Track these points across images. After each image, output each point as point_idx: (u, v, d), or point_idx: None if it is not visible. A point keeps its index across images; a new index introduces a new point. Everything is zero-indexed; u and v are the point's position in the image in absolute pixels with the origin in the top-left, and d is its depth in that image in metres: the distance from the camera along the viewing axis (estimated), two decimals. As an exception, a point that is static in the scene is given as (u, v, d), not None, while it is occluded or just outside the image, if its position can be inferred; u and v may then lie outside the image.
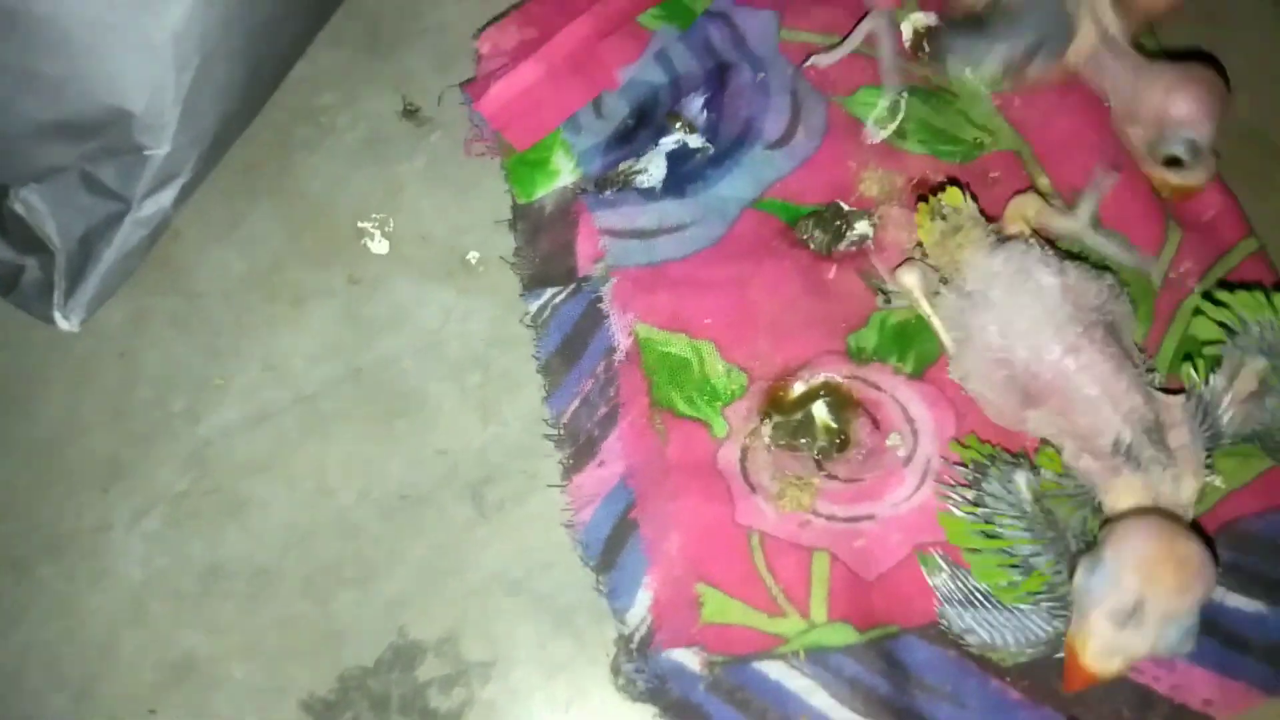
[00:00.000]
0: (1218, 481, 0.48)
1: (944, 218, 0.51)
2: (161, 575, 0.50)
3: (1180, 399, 0.47)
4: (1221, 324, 0.49)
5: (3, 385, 0.54)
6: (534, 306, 0.54)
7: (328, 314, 0.56)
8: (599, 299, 0.54)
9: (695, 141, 0.58)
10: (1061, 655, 0.45)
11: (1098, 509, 0.46)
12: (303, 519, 0.51)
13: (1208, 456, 0.46)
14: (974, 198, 0.53)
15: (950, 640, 0.47)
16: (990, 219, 0.53)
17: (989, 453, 0.48)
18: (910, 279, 0.51)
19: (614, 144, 0.58)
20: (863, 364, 0.52)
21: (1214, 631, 0.46)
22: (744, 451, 0.50)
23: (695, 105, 0.59)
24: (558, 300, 0.54)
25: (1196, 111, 0.51)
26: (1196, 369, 0.47)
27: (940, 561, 0.47)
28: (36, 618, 0.49)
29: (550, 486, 0.51)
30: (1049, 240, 0.52)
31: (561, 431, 0.52)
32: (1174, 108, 0.51)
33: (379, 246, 0.57)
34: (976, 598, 0.46)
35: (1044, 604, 0.45)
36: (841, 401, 0.51)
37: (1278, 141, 0.60)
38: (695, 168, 0.57)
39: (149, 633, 0.49)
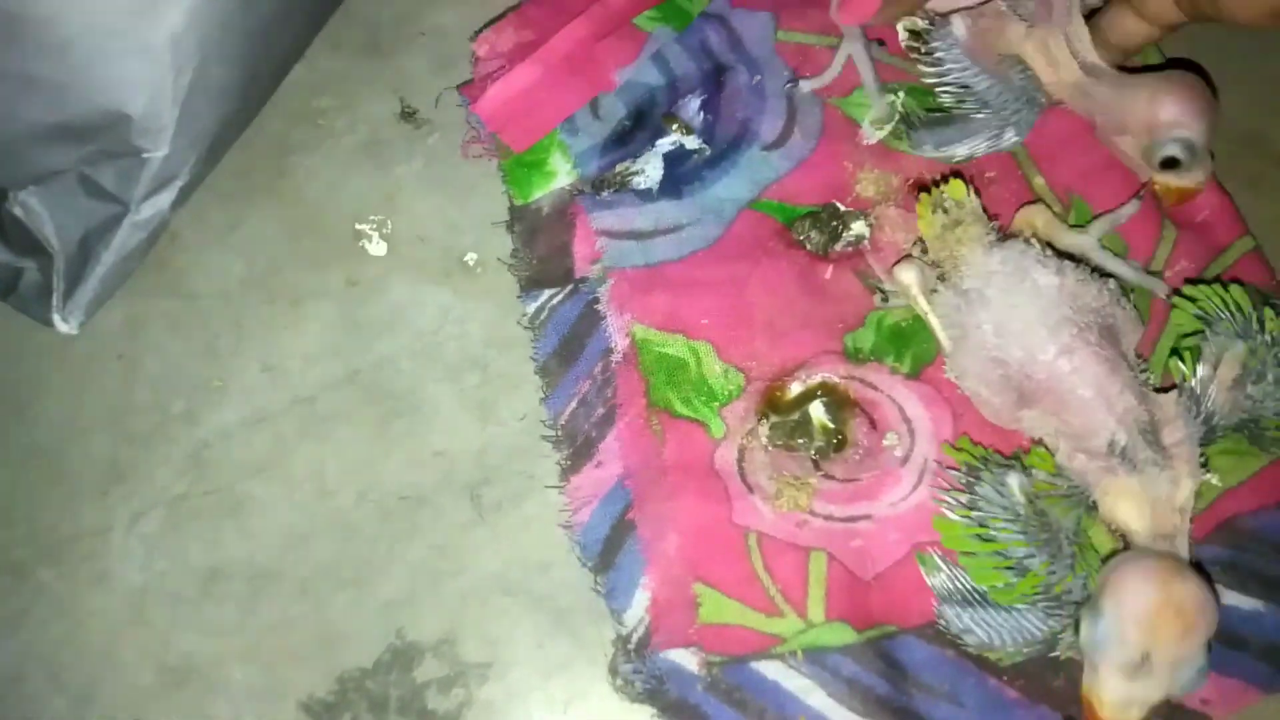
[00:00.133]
0: (1214, 480, 0.48)
1: (945, 210, 0.51)
2: (161, 578, 0.50)
3: (1172, 395, 0.47)
4: (1197, 316, 0.49)
5: (1, 389, 0.54)
6: (531, 308, 0.54)
7: (326, 316, 0.56)
8: (596, 300, 0.54)
9: (692, 143, 0.58)
10: (1057, 654, 0.46)
11: (1092, 508, 0.46)
12: (301, 520, 0.51)
13: (1202, 455, 0.46)
14: (977, 193, 0.53)
15: (948, 640, 0.47)
16: (990, 217, 0.53)
17: (982, 455, 0.48)
18: (908, 276, 0.51)
19: (611, 145, 0.58)
20: (860, 364, 0.52)
21: (1211, 630, 0.46)
22: (741, 452, 0.50)
23: (692, 107, 0.59)
24: (555, 302, 0.54)
25: (1184, 110, 0.51)
26: (1184, 360, 0.48)
27: (938, 561, 0.48)
28: (36, 621, 0.49)
29: (548, 488, 0.51)
30: (1051, 245, 0.52)
31: (559, 433, 0.52)
32: (1162, 111, 0.51)
33: (377, 248, 0.58)
34: (974, 598, 0.46)
35: (1040, 604, 0.45)
36: (839, 401, 0.51)
37: (1274, 145, 0.60)
38: (692, 169, 0.57)
39: (148, 635, 0.49)
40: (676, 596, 0.47)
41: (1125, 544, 0.46)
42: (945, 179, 0.54)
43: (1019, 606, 0.45)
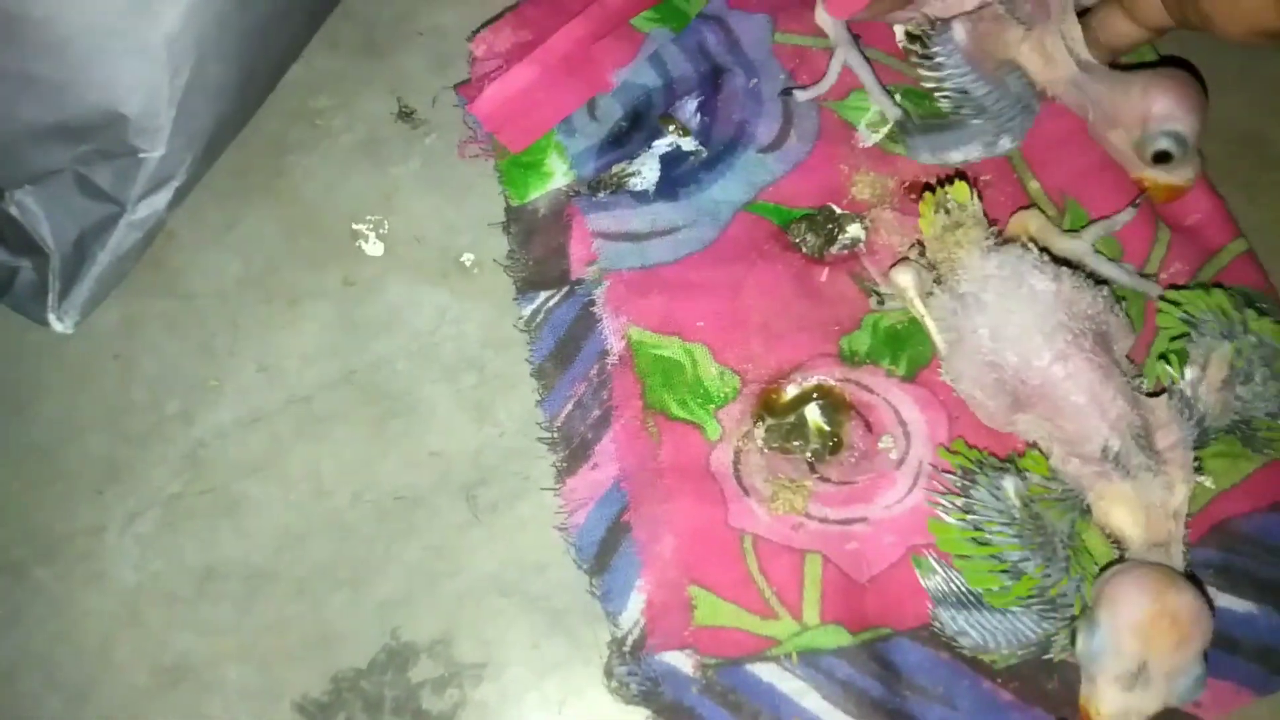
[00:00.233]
0: (1208, 482, 0.49)
1: (948, 212, 0.52)
2: (156, 578, 0.50)
3: (1163, 399, 0.47)
4: (1183, 319, 0.49)
5: (-3, 387, 0.54)
6: (527, 310, 0.54)
7: (322, 316, 0.56)
8: (592, 302, 0.54)
9: (688, 144, 0.58)
10: (1050, 656, 0.46)
11: (1086, 512, 0.46)
12: (297, 520, 0.51)
13: (1196, 458, 0.46)
14: (980, 196, 0.53)
15: (942, 642, 0.47)
16: (990, 222, 0.53)
17: (977, 458, 0.48)
18: (905, 279, 0.51)
19: (608, 146, 0.58)
20: (855, 367, 0.52)
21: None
22: (737, 454, 0.50)
23: (689, 108, 0.59)
24: (551, 304, 0.54)
25: (1176, 104, 0.51)
26: (1171, 364, 0.48)
27: (933, 564, 0.48)
28: (31, 621, 0.49)
29: (544, 489, 0.51)
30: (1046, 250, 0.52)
31: (555, 435, 0.52)
32: (1154, 104, 0.51)
33: (374, 248, 0.58)
34: (969, 600, 0.47)
35: (1035, 607, 0.45)
36: (834, 404, 0.51)
37: (1272, 147, 0.60)
38: (688, 171, 0.57)
39: (144, 635, 0.49)
40: (672, 599, 0.47)
41: (1119, 549, 0.46)
42: (950, 180, 0.54)
43: (1014, 609, 0.46)
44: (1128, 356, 0.49)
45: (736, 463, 0.50)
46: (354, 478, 0.52)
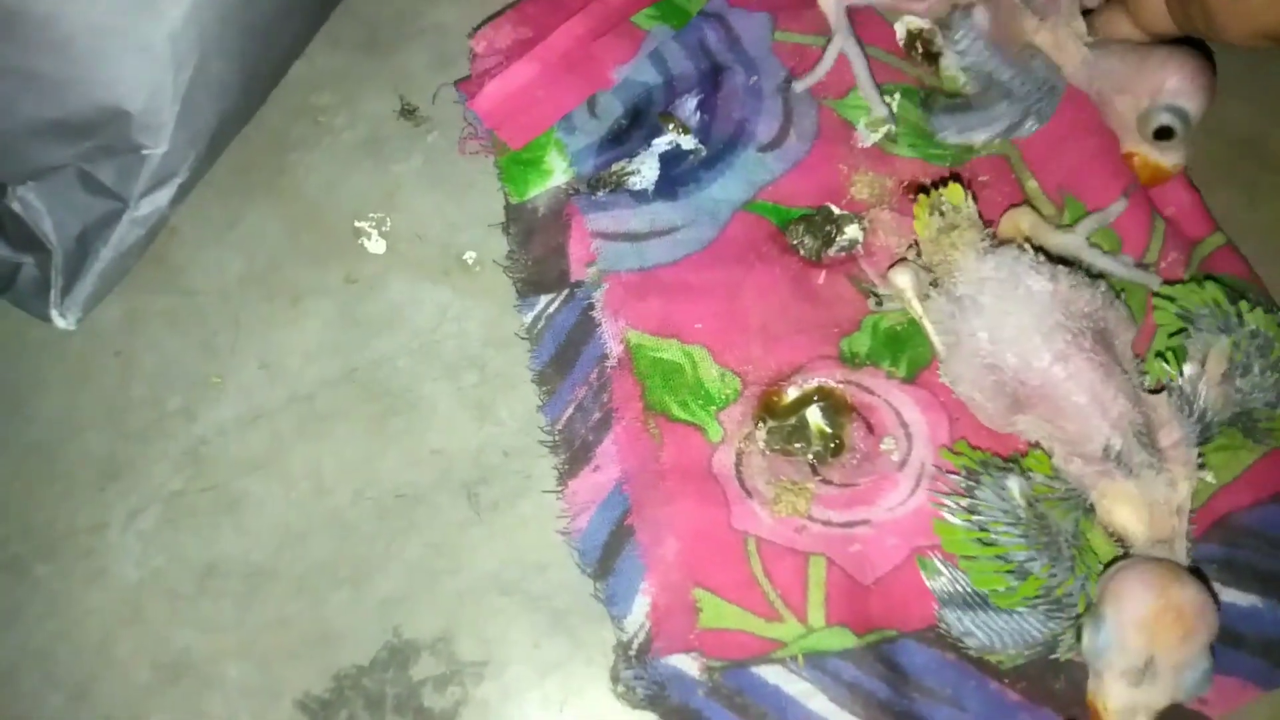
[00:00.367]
0: (1209, 477, 0.49)
1: (942, 214, 0.52)
2: (157, 574, 0.50)
3: (1164, 396, 0.47)
4: (1179, 315, 0.50)
5: (-2, 384, 0.54)
6: (528, 317, 0.54)
7: (324, 313, 0.56)
8: (591, 306, 0.54)
9: (688, 143, 0.58)
10: (1057, 656, 0.46)
11: (1089, 510, 0.46)
12: (298, 518, 0.51)
13: (1200, 454, 0.46)
14: (974, 198, 0.53)
15: (949, 643, 0.47)
16: (985, 223, 0.53)
17: (981, 459, 0.48)
18: (903, 280, 0.51)
19: (607, 144, 0.58)
20: (856, 368, 0.52)
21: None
22: (739, 456, 0.50)
23: (689, 106, 0.59)
24: (551, 310, 0.54)
25: (1189, 82, 0.51)
26: (1169, 361, 0.48)
27: (939, 565, 0.48)
28: (32, 617, 0.49)
29: (546, 492, 0.51)
30: (1042, 249, 0.52)
31: (556, 438, 0.52)
32: (1169, 78, 0.52)
33: (376, 246, 0.58)
34: (975, 601, 0.47)
35: (1040, 607, 0.45)
36: (836, 406, 0.51)
37: (1273, 150, 0.61)
38: (687, 169, 0.57)
39: (144, 632, 0.49)
40: (676, 602, 0.47)
41: (1123, 547, 0.46)
42: (944, 182, 0.54)
43: (1019, 610, 0.46)
44: (1133, 351, 0.49)
45: (739, 465, 0.50)
46: (355, 475, 0.52)
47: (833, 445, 0.51)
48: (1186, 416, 0.46)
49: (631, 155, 0.58)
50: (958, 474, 0.48)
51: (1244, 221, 0.57)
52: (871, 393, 0.52)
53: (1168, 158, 0.54)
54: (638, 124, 0.59)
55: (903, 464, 0.50)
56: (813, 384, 0.52)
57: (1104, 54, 0.54)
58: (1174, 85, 0.52)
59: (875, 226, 0.56)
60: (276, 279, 0.56)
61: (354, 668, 0.48)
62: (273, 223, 0.58)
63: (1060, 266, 0.49)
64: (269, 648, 0.48)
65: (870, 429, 0.51)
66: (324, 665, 0.48)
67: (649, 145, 0.58)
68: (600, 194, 0.57)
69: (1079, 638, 0.43)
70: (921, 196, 0.54)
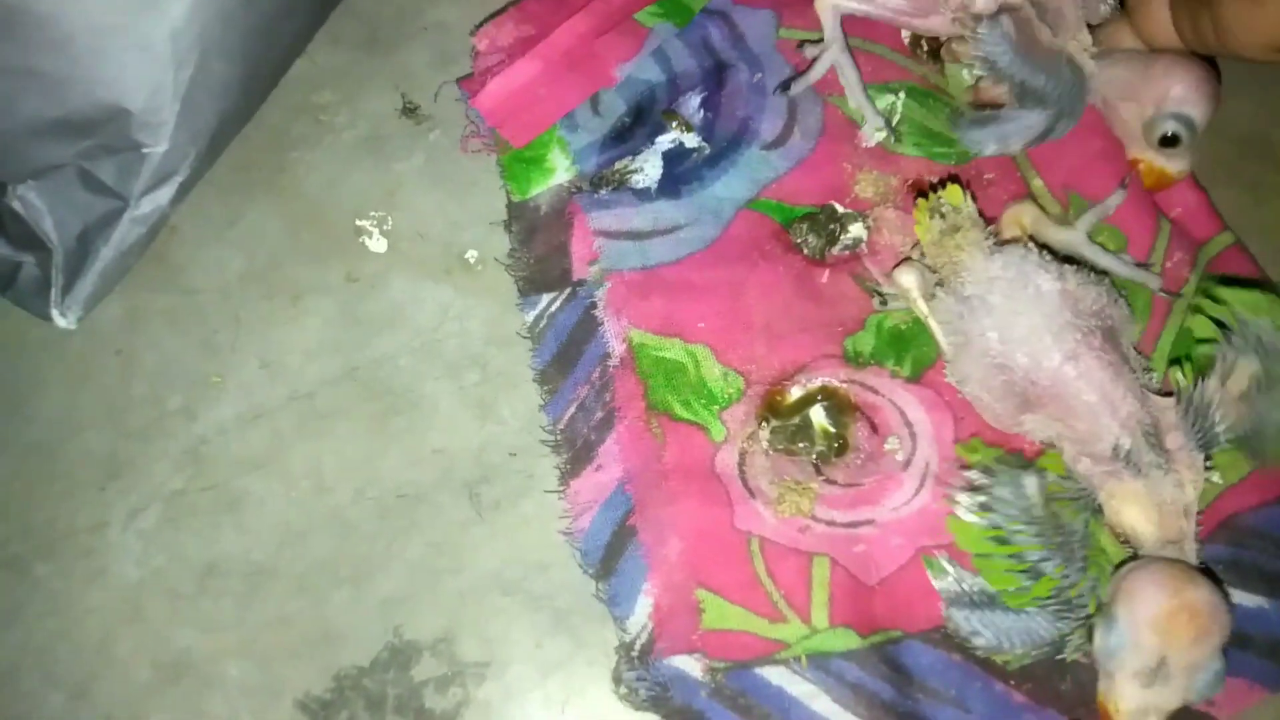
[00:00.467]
0: (1215, 478, 0.48)
1: (943, 216, 0.51)
2: (158, 574, 0.50)
3: (1172, 401, 0.47)
4: (1218, 322, 0.49)
5: (-1, 383, 0.54)
6: (530, 316, 0.54)
7: (325, 312, 0.56)
8: (593, 305, 0.53)
9: (692, 141, 0.58)
10: (1064, 657, 0.45)
11: (1098, 511, 0.46)
12: (299, 517, 0.51)
13: (1207, 460, 0.46)
14: (974, 197, 0.53)
15: (954, 644, 0.46)
16: (988, 220, 0.52)
17: (996, 455, 0.48)
18: (909, 280, 0.51)
19: (610, 142, 0.58)
20: (860, 368, 0.52)
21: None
22: (742, 456, 0.50)
23: (692, 104, 0.59)
24: (553, 309, 0.54)
25: (1194, 90, 0.51)
26: (1184, 372, 0.47)
27: (945, 565, 0.47)
28: (32, 616, 0.49)
29: (548, 492, 0.51)
30: (1045, 246, 0.52)
31: (559, 437, 0.51)
32: (1174, 87, 0.52)
33: (377, 244, 0.57)
34: (982, 600, 0.46)
35: (1050, 608, 0.45)
36: (839, 406, 0.51)
37: (1276, 149, 0.60)
38: (691, 168, 0.57)
39: (145, 631, 0.49)
40: (679, 603, 0.47)
41: (1132, 550, 0.46)
42: (942, 183, 0.53)
43: (1028, 609, 0.45)
44: (1136, 349, 0.49)
45: (742, 464, 0.50)
46: (356, 474, 0.52)
47: (836, 445, 0.50)
48: (1192, 426, 0.46)
49: (634, 153, 0.58)
50: (972, 470, 0.48)
51: (1250, 220, 0.57)
52: (875, 392, 0.52)
53: (1173, 164, 0.54)
54: (641, 122, 0.59)
55: (907, 464, 0.50)
56: (816, 383, 0.52)
57: (1109, 63, 0.54)
58: (1179, 93, 0.51)
59: (879, 225, 0.56)
60: (277, 277, 0.56)
61: (355, 668, 0.48)
62: (273, 221, 0.58)
63: (1067, 265, 0.49)
64: (270, 647, 0.48)
65: (874, 429, 0.51)
66: (325, 665, 0.48)
67: (652, 143, 0.58)
68: (603, 192, 0.57)
69: (1089, 638, 0.43)
70: (920, 201, 0.53)
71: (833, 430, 0.51)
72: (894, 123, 0.58)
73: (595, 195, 0.56)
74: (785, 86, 0.58)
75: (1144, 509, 0.45)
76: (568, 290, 0.54)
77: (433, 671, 0.48)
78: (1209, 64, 0.53)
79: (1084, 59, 0.54)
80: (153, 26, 0.47)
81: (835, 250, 0.55)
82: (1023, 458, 0.49)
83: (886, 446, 0.50)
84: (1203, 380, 0.46)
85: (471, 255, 0.57)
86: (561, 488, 0.50)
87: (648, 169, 0.57)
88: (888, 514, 0.49)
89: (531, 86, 0.58)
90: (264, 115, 0.60)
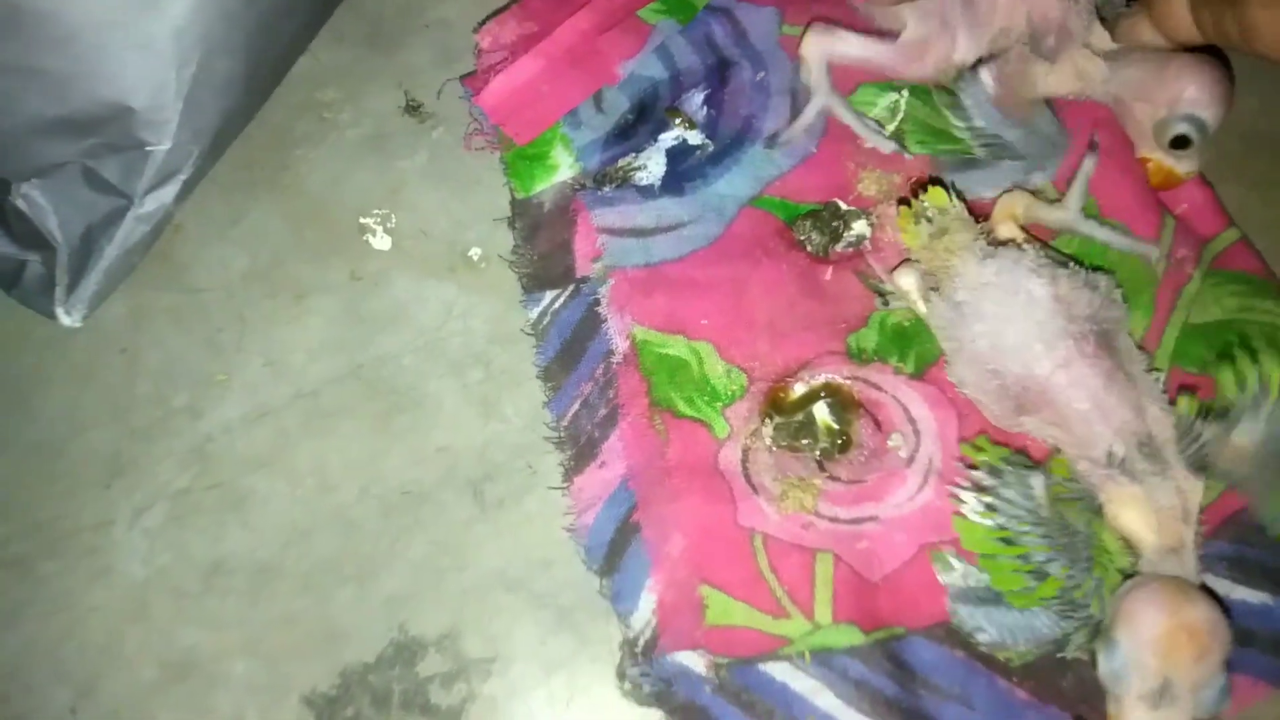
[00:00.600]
0: (1217, 478, 0.48)
1: (929, 220, 0.51)
2: (163, 572, 0.50)
3: (1171, 417, 0.46)
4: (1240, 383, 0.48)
5: (3, 381, 0.54)
6: (534, 313, 0.54)
7: (329, 310, 0.56)
8: (597, 302, 0.53)
9: (695, 138, 0.58)
10: (1065, 654, 0.45)
11: (1098, 511, 0.46)
12: (303, 515, 0.51)
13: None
14: (960, 196, 0.53)
15: (957, 641, 0.46)
16: (979, 218, 0.52)
17: (1003, 455, 0.48)
18: (908, 281, 0.51)
19: (614, 139, 0.58)
20: (863, 364, 0.52)
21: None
22: (745, 452, 0.50)
23: (696, 101, 0.59)
24: (557, 306, 0.54)
25: (1208, 92, 0.51)
26: (1188, 406, 0.46)
27: (952, 560, 0.47)
28: (37, 615, 0.49)
29: (551, 488, 0.51)
30: (1044, 241, 0.52)
31: (562, 434, 0.51)
32: (1187, 88, 0.51)
33: (380, 242, 0.57)
34: (987, 596, 0.46)
35: (1054, 608, 0.45)
36: (843, 402, 0.51)
37: (1285, 144, 0.60)
38: (694, 165, 0.57)
39: (150, 629, 0.49)
40: (682, 599, 0.47)
41: (1134, 555, 0.46)
42: (924, 187, 0.53)
43: (1033, 608, 0.45)
44: (1139, 345, 0.49)
45: (745, 461, 0.50)
46: (360, 473, 0.52)
47: (840, 441, 0.50)
48: (1187, 449, 0.45)
49: (638, 150, 0.58)
50: (978, 469, 0.47)
51: (1257, 218, 0.56)
52: (879, 389, 0.52)
53: (1182, 165, 0.54)
54: (644, 119, 0.59)
55: (910, 460, 0.50)
56: (820, 380, 0.52)
57: (1124, 63, 0.54)
58: (1192, 95, 0.51)
59: (883, 222, 0.55)
60: (281, 276, 0.56)
61: (360, 665, 0.48)
62: (277, 219, 0.58)
63: (1060, 268, 0.48)
64: (275, 645, 0.48)
65: (878, 425, 0.51)
66: (330, 662, 0.48)
67: (655, 140, 0.58)
68: (606, 189, 0.56)
69: (1091, 637, 0.43)
70: (903, 209, 0.53)
71: (836, 427, 0.51)
72: (897, 121, 0.58)
73: (599, 192, 0.56)
74: (772, 140, 0.57)
75: (1143, 514, 0.45)
76: (571, 287, 0.54)
77: (438, 668, 0.48)
78: (1224, 65, 0.52)
79: (1095, 63, 0.54)
80: (155, 24, 0.47)
81: (838, 248, 0.55)
82: (1028, 457, 0.49)
83: (890, 443, 0.50)
84: (1205, 419, 0.46)
85: (475, 253, 0.57)
86: (565, 485, 0.50)
87: (651, 166, 0.57)
88: (891, 510, 0.49)
89: (535, 84, 0.58)
90: (267, 113, 0.60)
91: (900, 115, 0.58)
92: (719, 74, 0.60)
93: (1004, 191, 0.54)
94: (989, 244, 0.50)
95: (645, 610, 0.47)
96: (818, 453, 0.50)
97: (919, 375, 0.52)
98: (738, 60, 0.60)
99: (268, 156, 0.59)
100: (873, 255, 0.55)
